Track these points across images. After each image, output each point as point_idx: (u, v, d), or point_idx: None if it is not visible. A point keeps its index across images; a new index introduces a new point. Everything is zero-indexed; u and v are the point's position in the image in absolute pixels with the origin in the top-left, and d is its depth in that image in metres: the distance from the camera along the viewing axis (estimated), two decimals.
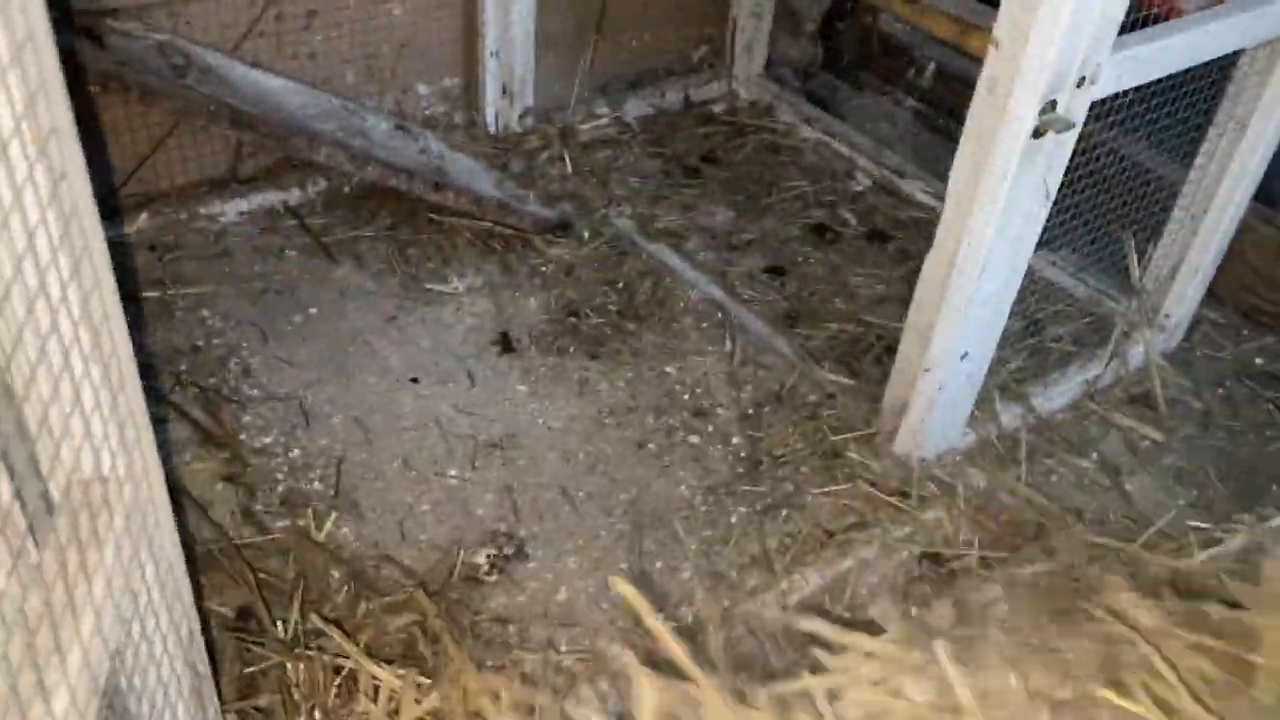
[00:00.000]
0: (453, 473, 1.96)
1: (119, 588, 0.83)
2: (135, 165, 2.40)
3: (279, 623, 1.49)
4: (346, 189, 2.54)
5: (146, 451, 0.90)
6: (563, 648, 1.59)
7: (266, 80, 2.22)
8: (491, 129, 2.81)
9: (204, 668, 1.07)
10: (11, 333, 0.70)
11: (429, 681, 1.32)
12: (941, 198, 1.71)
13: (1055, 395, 2.20)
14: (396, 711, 1.24)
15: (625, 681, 1.45)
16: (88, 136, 0.78)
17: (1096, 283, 2.46)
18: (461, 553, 1.76)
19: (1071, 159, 1.67)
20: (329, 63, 2.58)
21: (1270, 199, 2.49)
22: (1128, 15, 1.52)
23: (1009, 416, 2.11)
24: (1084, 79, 1.52)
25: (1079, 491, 2.03)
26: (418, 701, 1.25)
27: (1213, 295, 2.59)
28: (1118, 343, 2.27)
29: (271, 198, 2.52)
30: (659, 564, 1.80)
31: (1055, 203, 1.96)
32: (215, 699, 1.10)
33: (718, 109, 3.14)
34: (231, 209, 2.49)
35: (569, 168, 2.72)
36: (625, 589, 1.16)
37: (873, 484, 1.91)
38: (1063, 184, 1.70)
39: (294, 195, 2.53)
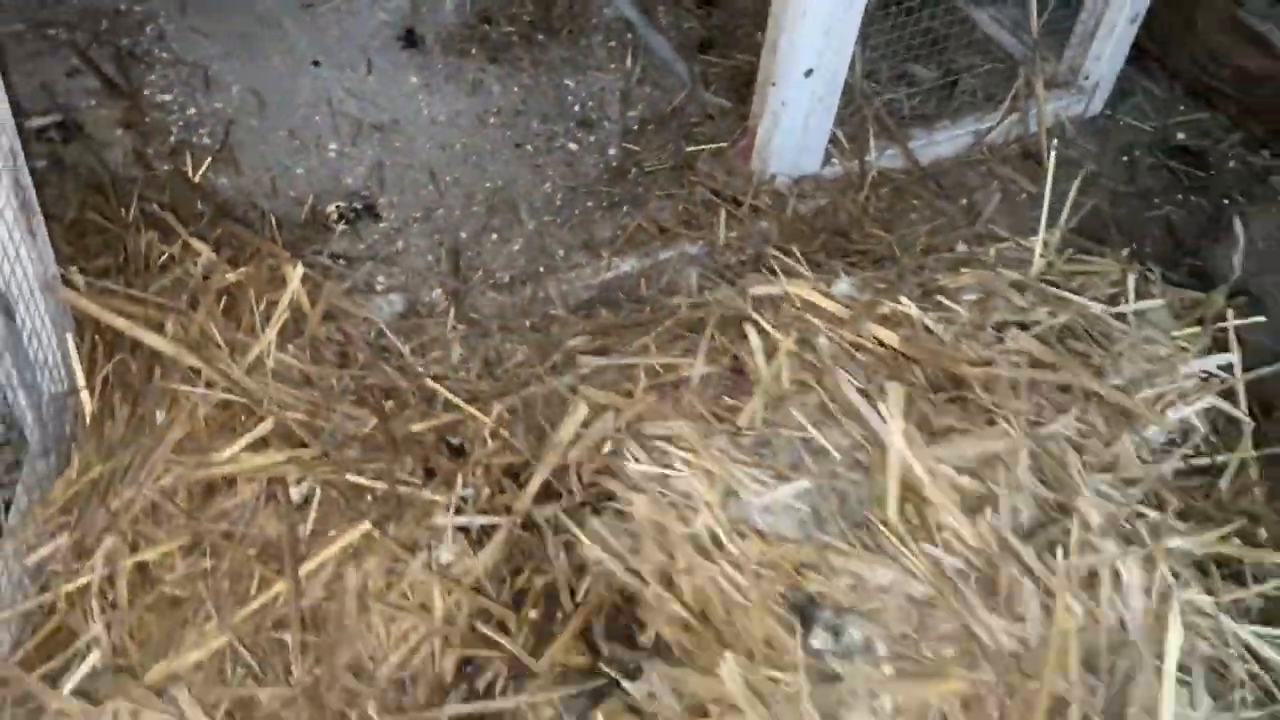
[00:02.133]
0: (332, 146, 2.44)
1: None
2: None
3: (125, 209, 2.01)
4: None
5: None
6: (379, 280, 2.10)
7: None
8: None
9: (31, 196, 1.58)
10: None
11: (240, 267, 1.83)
12: None
13: (942, 142, 2.57)
14: (206, 277, 1.76)
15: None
16: None
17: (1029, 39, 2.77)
18: (317, 203, 2.26)
19: None
20: None
21: None
22: None
23: (884, 157, 2.49)
24: None
25: (934, 230, 2.42)
26: (226, 274, 1.76)
27: (1163, 69, 2.89)
28: (1017, 97, 2.61)
29: None
30: (494, 235, 2.28)
31: None
32: (43, 223, 1.62)
33: None
34: None
35: None
36: None
37: (715, 193, 2.33)
38: None
39: None
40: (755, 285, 1.67)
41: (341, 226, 2.23)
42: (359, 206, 2.26)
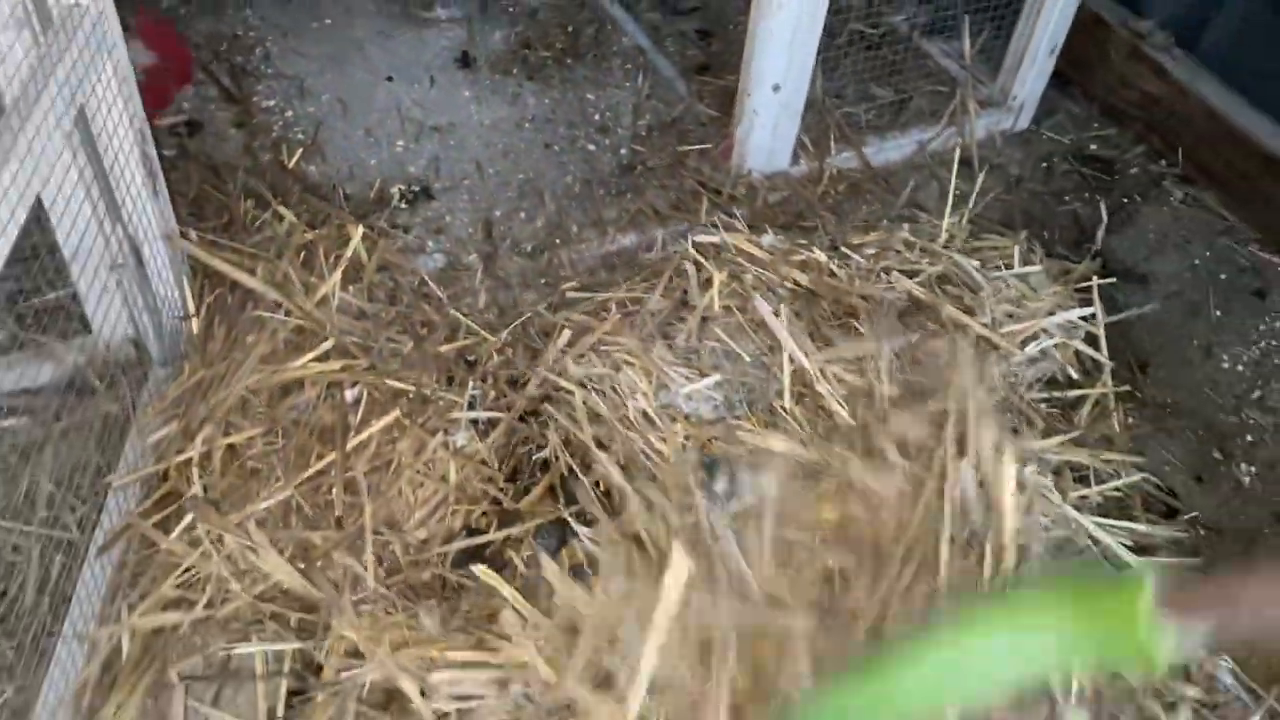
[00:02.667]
0: (400, 143, 2.62)
1: (81, 71, 1.52)
2: None
3: (232, 186, 2.21)
4: None
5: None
6: (428, 244, 2.28)
7: None
8: None
9: (156, 167, 1.77)
10: None
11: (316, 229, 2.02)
12: None
13: (891, 148, 2.69)
14: (289, 235, 1.95)
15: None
16: None
17: (972, 67, 2.89)
18: (384, 185, 2.45)
19: None
20: None
21: (1136, 6, 2.85)
22: None
23: (841, 159, 2.62)
24: None
25: (880, 211, 2.55)
26: (304, 234, 1.95)
27: (1082, 92, 2.99)
28: (955, 113, 2.73)
29: None
30: (522, 214, 2.45)
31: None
32: (164, 186, 1.81)
33: None
34: None
35: None
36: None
37: (700, 184, 2.49)
38: None
39: None
40: (699, 234, 1.82)
41: (402, 204, 2.41)
42: (417, 189, 2.44)
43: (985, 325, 1.64)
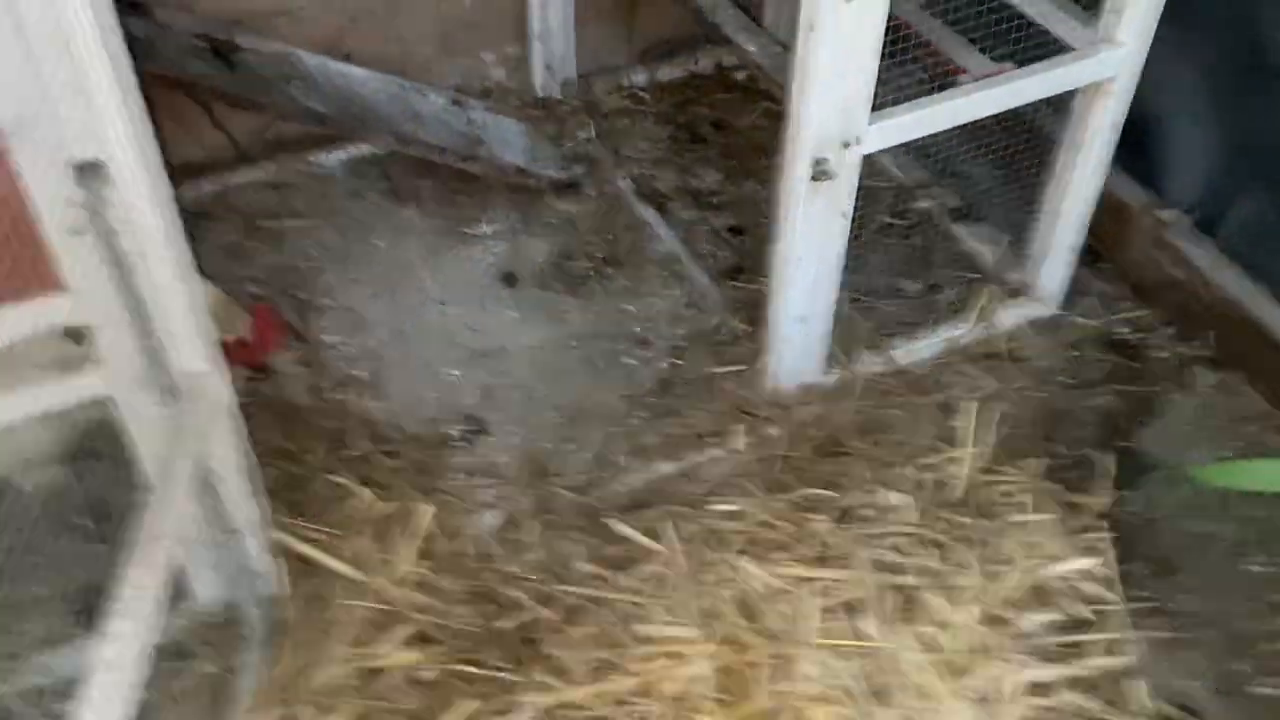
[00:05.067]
0: (454, 372, 3.07)
1: (207, 426, 1.98)
2: (268, 124, 3.57)
3: (309, 451, 2.67)
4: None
5: (219, 358, 2.04)
6: (488, 493, 2.71)
7: (350, 72, 3.31)
8: (539, 94, 3.82)
9: (257, 474, 2.22)
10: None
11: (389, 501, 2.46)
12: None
13: (921, 348, 3.07)
14: (366, 510, 2.39)
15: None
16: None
17: (1002, 255, 3.27)
18: (442, 425, 2.89)
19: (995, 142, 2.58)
20: (412, 42, 3.65)
21: (1160, 191, 3.21)
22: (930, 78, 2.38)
23: (871, 363, 3.00)
24: (848, 143, 2.39)
25: (910, 421, 2.92)
26: (378, 507, 2.39)
27: (1114, 271, 3.35)
28: (983, 309, 3.10)
29: (364, 149, 3.64)
30: (572, 445, 2.87)
31: (974, 182, 2.86)
32: (260, 479, 2.26)
33: (741, 76, 4.01)
34: (333, 158, 3.63)
35: (592, 133, 3.70)
36: None
37: (737, 406, 2.89)
38: (988, 160, 2.59)
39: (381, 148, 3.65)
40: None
41: (460, 443, 2.85)
42: (473, 430, 2.87)
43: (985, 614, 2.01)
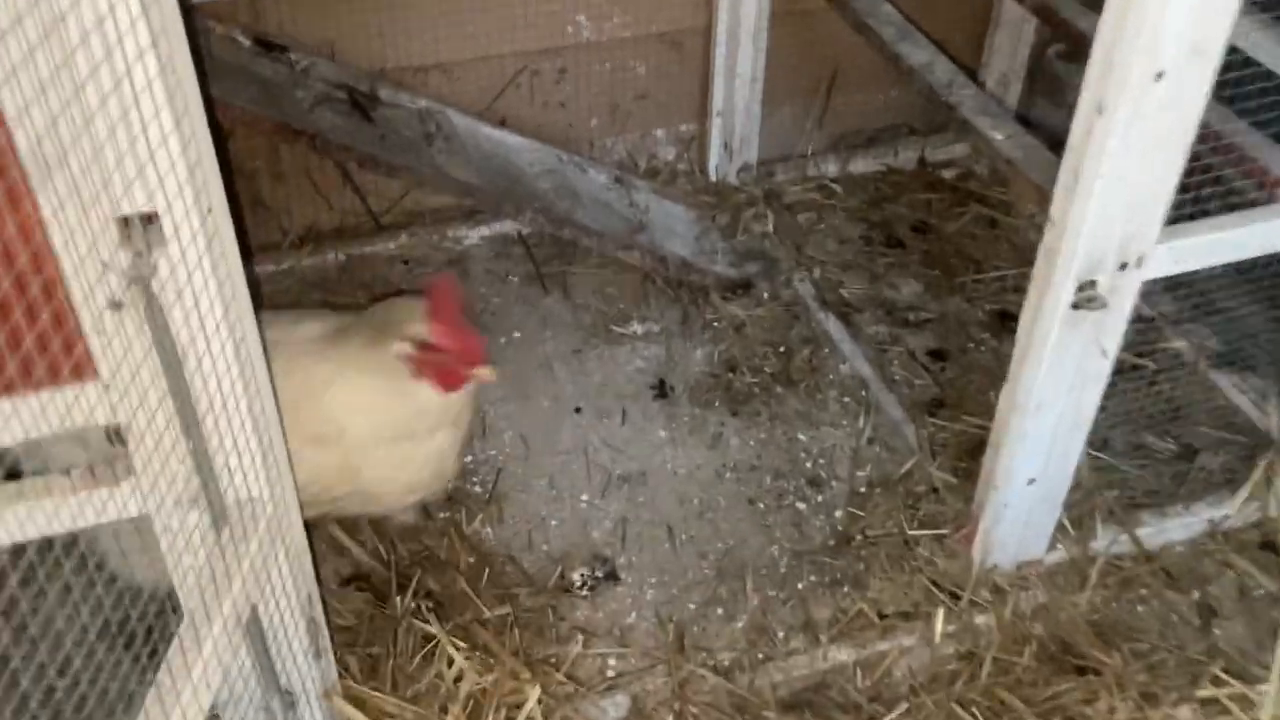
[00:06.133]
0: (584, 497, 2.61)
1: (259, 564, 1.55)
2: (400, 196, 3.24)
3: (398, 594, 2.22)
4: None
5: (285, 481, 1.62)
6: (609, 666, 2.20)
7: (504, 139, 2.95)
8: (713, 178, 3.40)
9: (322, 628, 1.78)
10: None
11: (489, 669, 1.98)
12: None
13: (1174, 527, 2.46)
14: (458, 680, 1.92)
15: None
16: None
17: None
18: (565, 563, 2.41)
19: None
20: (576, 111, 3.29)
21: None
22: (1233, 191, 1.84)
23: (1111, 543, 2.41)
24: (1126, 264, 1.86)
25: (1162, 627, 2.31)
26: (476, 682, 1.92)
27: None
28: (1256, 485, 2.47)
29: (508, 226, 3.27)
30: (720, 610, 2.35)
31: (1240, 322, 2.28)
32: (328, 639, 1.82)
33: (949, 174, 3.51)
34: (474, 234, 3.27)
35: (770, 226, 3.25)
36: None
37: (933, 581, 2.33)
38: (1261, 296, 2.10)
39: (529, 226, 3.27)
40: None
41: (584, 590, 2.36)
42: (600, 574, 2.39)
43: None
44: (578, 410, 2.81)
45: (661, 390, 2.85)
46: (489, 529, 2.52)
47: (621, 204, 3.05)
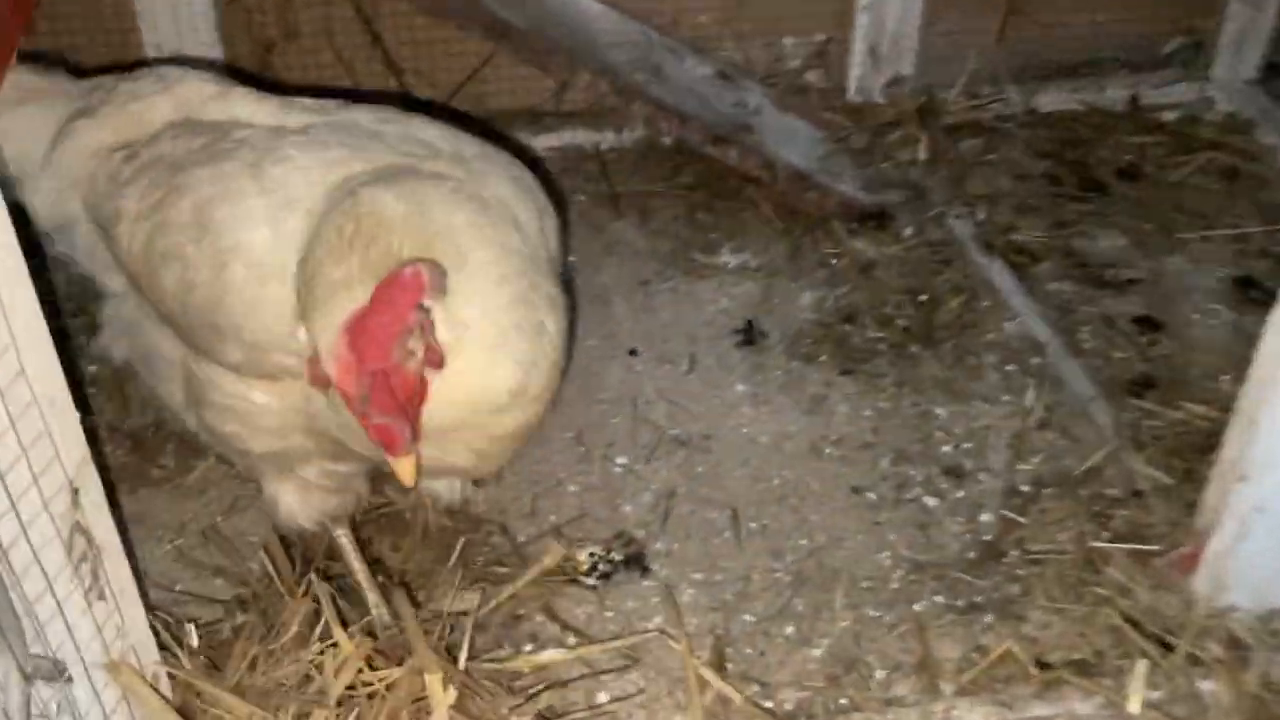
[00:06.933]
0: (621, 459, 1.91)
1: None
2: (459, 84, 2.63)
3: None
4: (665, 141, 2.55)
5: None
6: (602, 697, 1.46)
7: (583, 5, 2.31)
8: (851, 95, 2.67)
9: (99, 527, 1.12)
10: None
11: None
12: None
13: None
14: (338, 673, 1.21)
15: None
16: None
17: None
18: (572, 540, 1.70)
19: None
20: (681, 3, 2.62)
21: None
22: None
23: None
24: None
25: None
26: (362, 675, 1.21)
27: None
28: None
29: (583, 138, 2.62)
30: (791, 629, 1.58)
31: None
32: (128, 575, 1.16)
33: (1171, 116, 2.70)
34: (541, 142, 2.62)
35: (922, 152, 2.50)
36: None
37: (1129, 619, 1.51)
38: None
39: (607, 139, 2.60)
40: None
41: (590, 577, 1.64)
42: (618, 558, 1.66)
43: None
44: (632, 353, 2.12)
45: (749, 336, 2.13)
46: (498, 490, 1.83)
47: (723, 101, 2.37)
